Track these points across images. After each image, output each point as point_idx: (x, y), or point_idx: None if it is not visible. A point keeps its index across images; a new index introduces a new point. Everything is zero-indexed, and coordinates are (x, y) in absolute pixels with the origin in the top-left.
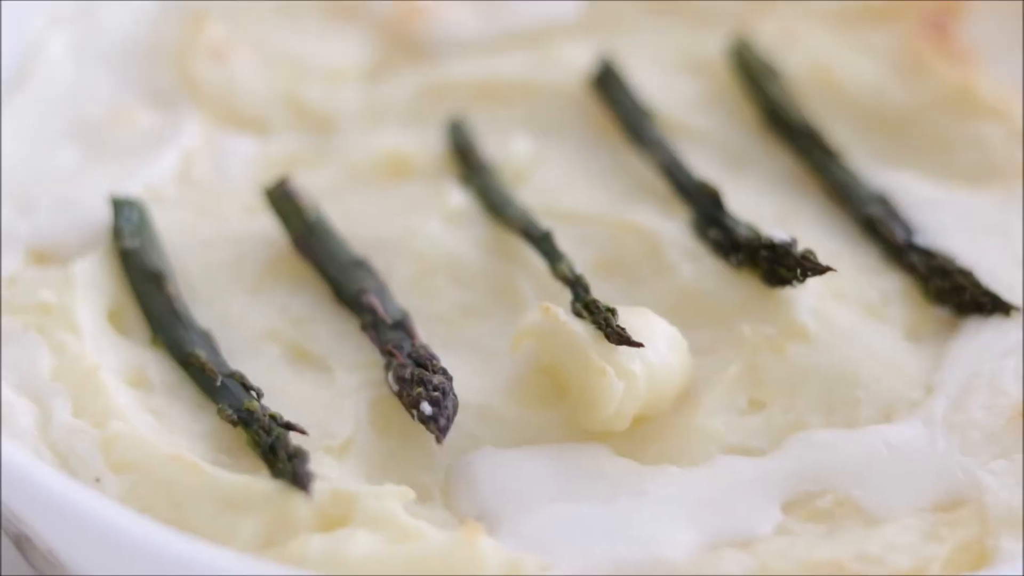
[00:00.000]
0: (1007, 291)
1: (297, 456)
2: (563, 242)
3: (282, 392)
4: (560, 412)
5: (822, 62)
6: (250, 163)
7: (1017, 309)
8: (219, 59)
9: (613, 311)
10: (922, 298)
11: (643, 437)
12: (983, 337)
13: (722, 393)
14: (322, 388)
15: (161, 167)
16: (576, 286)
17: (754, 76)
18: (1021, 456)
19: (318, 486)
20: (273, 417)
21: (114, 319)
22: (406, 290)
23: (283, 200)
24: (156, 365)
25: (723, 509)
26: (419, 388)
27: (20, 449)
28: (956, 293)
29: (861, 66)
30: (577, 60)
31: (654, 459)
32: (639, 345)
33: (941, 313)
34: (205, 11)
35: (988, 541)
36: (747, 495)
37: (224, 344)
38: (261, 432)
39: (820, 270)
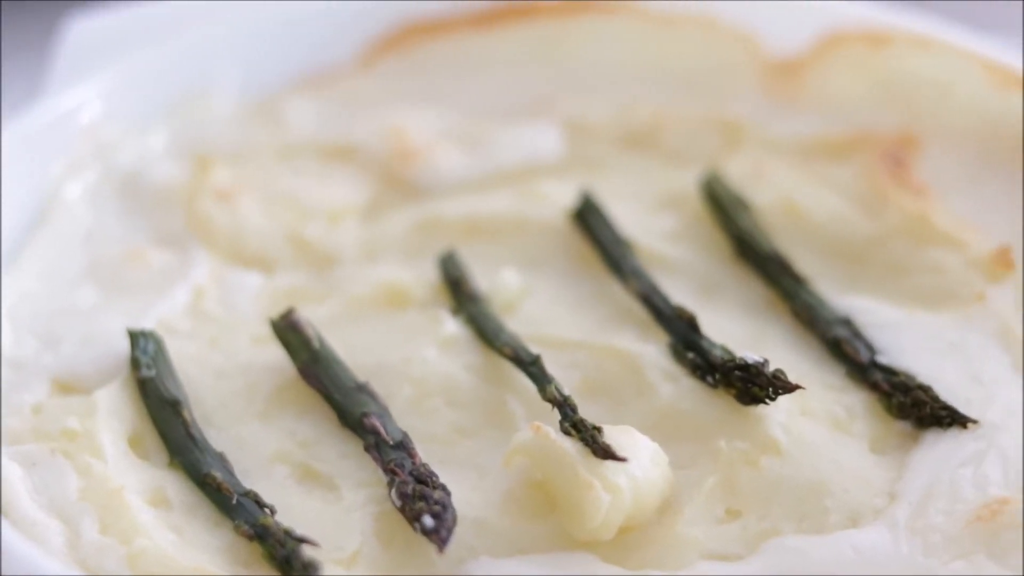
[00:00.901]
0: (964, 406)
1: (311, 566)
2: (550, 366)
3: (292, 509)
4: (551, 523)
5: (788, 195)
6: (257, 297)
7: (974, 422)
8: (225, 201)
9: (599, 429)
10: (885, 413)
11: (628, 545)
12: (942, 448)
13: (701, 503)
14: (330, 505)
15: (173, 302)
16: (564, 407)
17: (725, 209)
18: (979, 557)
19: None
20: (287, 532)
21: (134, 443)
22: (405, 412)
23: (289, 331)
24: (175, 486)
25: None
26: (421, 503)
27: (55, 564)
28: (917, 408)
29: (824, 198)
30: (559, 197)
31: (639, 566)
32: (624, 460)
33: (903, 427)
34: (211, 157)
35: None
36: None
37: (237, 465)
38: (276, 545)
39: (790, 388)
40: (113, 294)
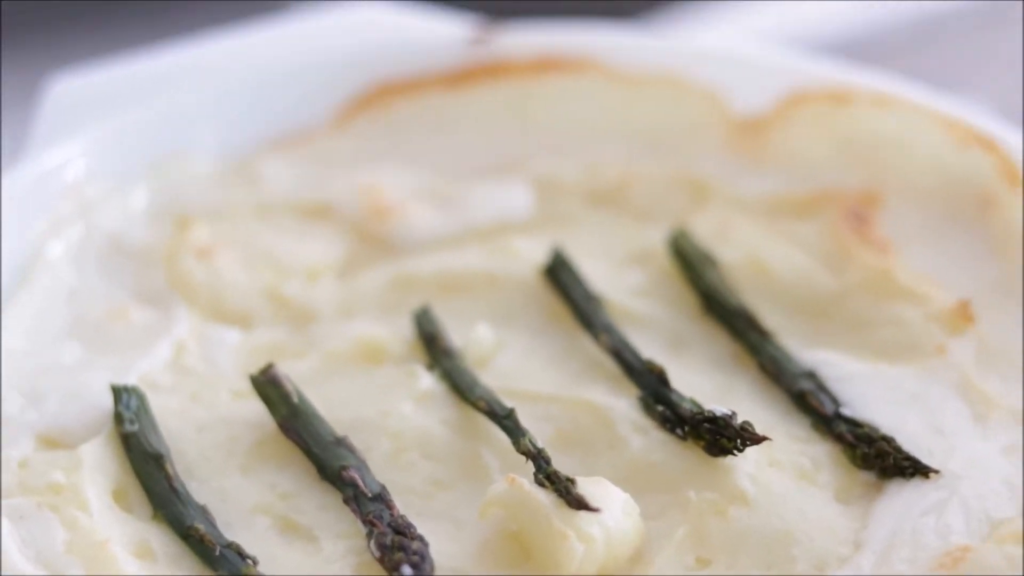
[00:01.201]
0: (926, 456)
1: None
2: (524, 419)
3: (274, 560)
4: (525, 571)
5: (754, 252)
6: (236, 353)
7: (936, 472)
8: (205, 259)
9: (573, 481)
10: (850, 463)
11: None
12: (905, 498)
13: (671, 553)
14: (310, 556)
15: (155, 358)
16: (538, 459)
17: (692, 265)
18: None
19: None
20: None
21: (118, 497)
22: (383, 466)
23: (268, 386)
24: (158, 538)
25: None
26: (400, 553)
27: None
28: (880, 459)
29: (789, 255)
30: (531, 253)
31: None
32: (597, 511)
33: (867, 477)
34: (190, 215)
35: None
36: None
37: (219, 518)
38: None
39: (757, 440)
40: (96, 351)
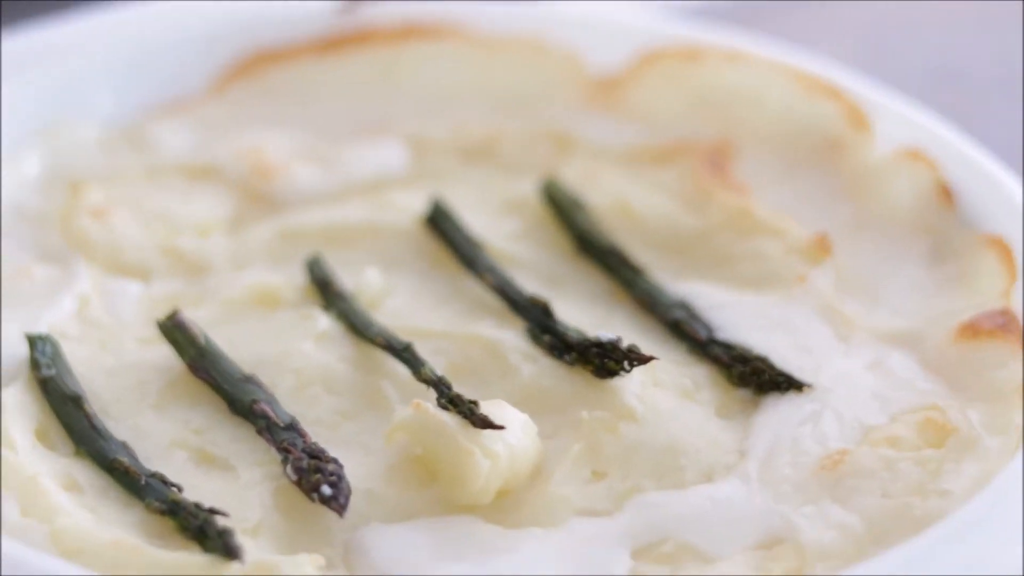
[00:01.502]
0: (797, 372)
1: (226, 533)
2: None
3: (195, 489)
4: (433, 491)
5: (619, 196)
6: (138, 303)
7: (809, 386)
8: (100, 219)
9: (475, 403)
10: (727, 382)
11: (506, 507)
12: (782, 410)
13: (569, 467)
14: (229, 483)
15: (61, 310)
16: (440, 385)
17: (564, 209)
18: (825, 502)
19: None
20: (197, 505)
21: (40, 436)
22: (288, 400)
23: (175, 330)
24: (83, 472)
25: (582, 560)
26: (317, 475)
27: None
28: (756, 376)
29: (652, 198)
30: (411, 204)
31: (517, 524)
32: (502, 428)
33: (744, 394)
34: (82, 180)
35: (806, 570)
36: (601, 547)
37: (138, 452)
38: (189, 518)
39: (644, 360)
40: (6, 307)
